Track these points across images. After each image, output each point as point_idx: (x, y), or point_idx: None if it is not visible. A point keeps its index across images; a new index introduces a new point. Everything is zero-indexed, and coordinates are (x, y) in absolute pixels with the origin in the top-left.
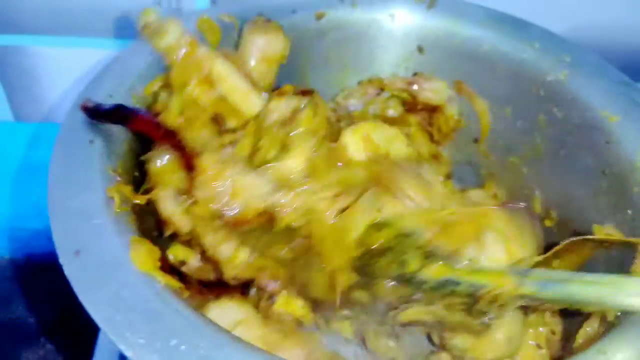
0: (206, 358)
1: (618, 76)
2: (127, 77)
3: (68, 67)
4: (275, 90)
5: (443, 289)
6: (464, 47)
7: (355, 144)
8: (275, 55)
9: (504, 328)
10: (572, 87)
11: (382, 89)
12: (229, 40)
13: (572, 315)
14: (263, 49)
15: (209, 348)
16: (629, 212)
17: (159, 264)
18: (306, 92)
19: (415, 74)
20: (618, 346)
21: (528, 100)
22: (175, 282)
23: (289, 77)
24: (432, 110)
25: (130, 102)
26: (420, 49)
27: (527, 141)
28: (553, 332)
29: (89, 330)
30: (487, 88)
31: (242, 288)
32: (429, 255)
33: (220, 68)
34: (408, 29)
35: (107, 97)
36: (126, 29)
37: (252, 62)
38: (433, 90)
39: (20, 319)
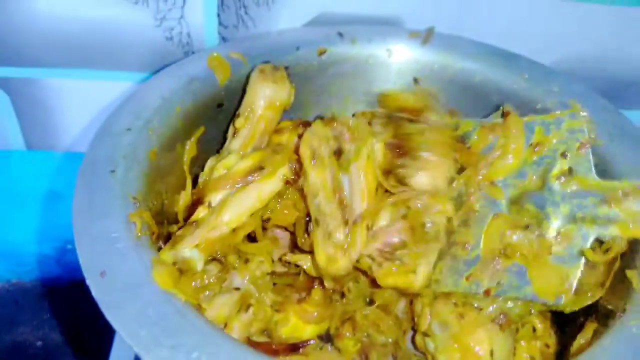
0: None
1: (602, 104)
2: (144, 111)
3: (79, 99)
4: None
5: None
6: (457, 78)
7: None
8: (282, 103)
9: (486, 342)
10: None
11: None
12: (238, 76)
13: (565, 328)
14: (270, 97)
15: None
16: None
17: (178, 282)
18: (305, 124)
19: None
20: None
21: None
22: (194, 300)
23: (294, 109)
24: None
25: (148, 135)
26: (416, 81)
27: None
28: (547, 346)
29: (93, 352)
30: (480, 117)
31: None
32: None
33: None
34: (404, 62)
35: (125, 131)
36: (137, 62)
37: (260, 111)
38: None
39: (27, 342)
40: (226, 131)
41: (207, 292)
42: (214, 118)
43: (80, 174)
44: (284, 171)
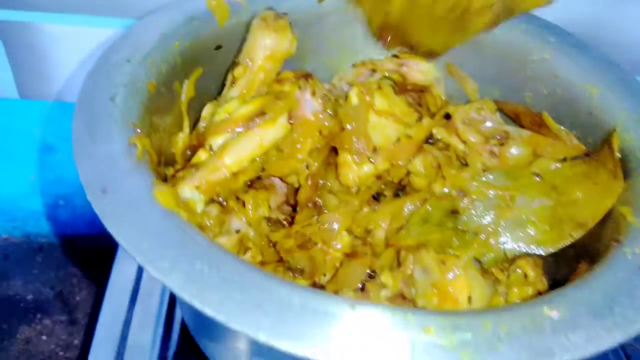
0: (226, 279)
1: (598, 54)
2: (142, 45)
3: (75, 46)
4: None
5: None
6: None
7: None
8: (283, 54)
9: (465, 288)
10: (556, 66)
11: (374, 70)
12: (237, 19)
13: (557, 276)
14: (271, 47)
15: (229, 271)
16: None
17: (180, 202)
18: (306, 76)
19: (394, 56)
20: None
21: (515, 80)
22: (195, 218)
23: (292, 58)
24: (421, 90)
25: (147, 67)
26: None
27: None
28: (539, 292)
29: (84, 307)
30: (476, 70)
31: None
32: None
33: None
34: None
35: (124, 62)
36: (134, 9)
37: (259, 61)
38: (421, 72)
39: (17, 295)
40: (224, 75)
41: (207, 234)
42: (212, 60)
43: (79, 100)
44: (286, 118)
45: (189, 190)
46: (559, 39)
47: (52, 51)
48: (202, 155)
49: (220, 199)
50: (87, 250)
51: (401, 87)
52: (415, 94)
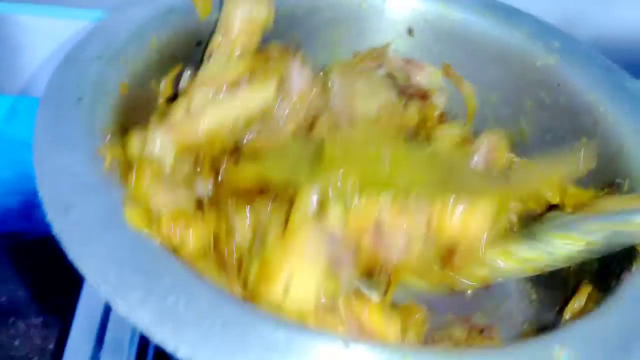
0: (205, 315)
1: (605, 62)
2: (116, 39)
3: (48, 38)
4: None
5: None
6: (453, 31)
7: None
8: (259, 24)
9: None
10: (561, 73)
11: (380, 65)
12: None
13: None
14: (247, 17)
15: (209, 305)
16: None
17: (153, 223)
18: (294, 46)
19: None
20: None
21: (516, 85)
22: (171, 241)
23: None
24: (422, 97)
25: (119, 65)
26: (410, 31)
27: (512, 126)
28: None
29: (60, 309)
30: (474, 73)
31: None
32: None
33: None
34: (399, 11)
35: (95, 59)
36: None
37: (236, 31)
38: (427, 75)
39: None
40: None
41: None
42: (192, 57)
43: (42, 101)
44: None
45: (160, 140)
46: (564, 45)
47: (24, 44)
48: (177, 113)
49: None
50: (63, 251)
51: (403, 88)
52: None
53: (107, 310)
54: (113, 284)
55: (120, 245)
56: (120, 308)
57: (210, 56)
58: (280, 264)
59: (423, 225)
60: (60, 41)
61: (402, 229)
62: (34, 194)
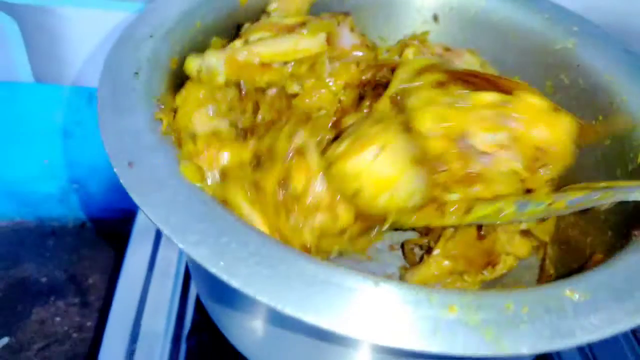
0: (253, 254)
1: (622, 46)
2: (165, 20)
3: (91, 29)
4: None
5: None
6: (477, 17)
7: None
8: None
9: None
10: (579, 55)
11: (421, 52)
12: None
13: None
14: None
15: (256, 246)
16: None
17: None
18: (345, 14)
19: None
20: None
21: (536, 68)
22: (220, 193)
23: None
24: None
25: (169, 43)
26: (435, 18)
27: None
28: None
29: (96, 289)
30: (497, 57)
31: None
32: None
33: (262, 49)
34: None
35: (147, 37)
36: None
37: None
38: (465, 62)
39: (32, 277)
40: None
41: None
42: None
43: (103, 73)
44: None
45: (215, 58)
46: (582, 28)
47: (68, 34)
48: (237, 43)
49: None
50: (100, 234)
51: None
52: None
53: (145, 291)
54: (175, 227)
55: (179, 196)
56: (182, 246)
57: (268, 15)
58: (375, 137)
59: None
60: (99, 32)
61: (489, 137)
62: (73, 180)
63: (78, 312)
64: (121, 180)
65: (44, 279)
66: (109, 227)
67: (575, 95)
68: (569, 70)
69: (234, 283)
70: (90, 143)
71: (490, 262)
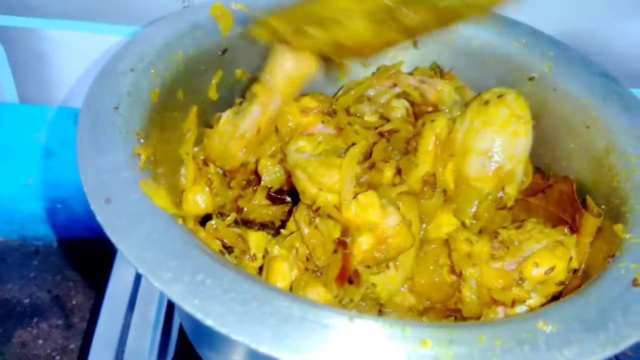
0: (228, 291)
1: (598, 69)
2: (146, 54)
3: (77, 52)
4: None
5: None
6: (456, 42)
7: None
8: (303, 79)
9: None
10: (556, 79)
11: (395, 85)
12: (241, 28)
13: None
14: (291, 73)
15: (231, 283)
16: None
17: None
18: (331, 113)
19: (416, 68)
20: None
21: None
22: (197, 227)
23: None
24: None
25: (151, 76)
26: (414, 43)
27: None
28: None
29: (80, 310)
30: (477, 81)
31: None
32: None
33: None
34: None
35: (128, 71)
36: (135, 16)
37: (280, 81)
38: (440, 92)
39: (14, 299)
40: (233, 78)
41: None
42: (217, 64)
43: (83, 109)
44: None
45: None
46: (558, 52)
47: (53, 57)
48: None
49: None
50: (84, 254)
51: (418, 105)
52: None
53: (129, 315)
54: (149, 264)
55: (155, 231)
56: (156, 284)
57: (252, 98)
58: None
59: None
60: (85, 54)
61: None
62: (57, 200)
63: (61, 334)
64: (97, 218)
65: (26, 300)
66: (93, 246)
67: (552, 118)
68: (545, 93)
69: (208, 322)
70: (75, 163)
71: None
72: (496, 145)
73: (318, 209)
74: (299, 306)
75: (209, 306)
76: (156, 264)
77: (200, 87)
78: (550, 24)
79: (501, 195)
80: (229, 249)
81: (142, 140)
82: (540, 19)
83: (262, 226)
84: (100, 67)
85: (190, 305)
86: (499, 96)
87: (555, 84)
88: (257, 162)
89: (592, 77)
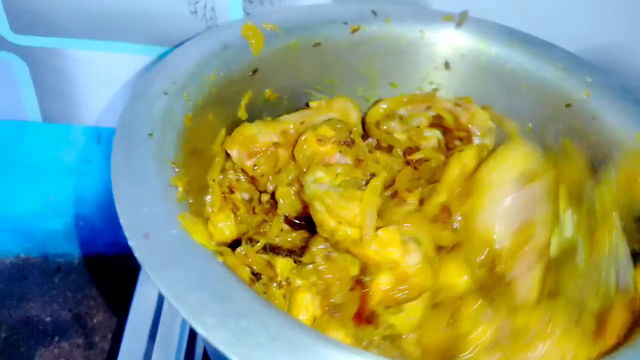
0: (274, 339)
1: (636, 98)
2: (178, 76)
3: (99, 72)
4: None
5: None
6: (488, 65)
7: None
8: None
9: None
10: (594, 107)
11: (429, 107)
12: (272, 47)
13: None
14: None
15: (278, 330)
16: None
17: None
18: (349, 143)
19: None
20: None
21: (549, 117)
22: (238, 264)
23: (321, 88)
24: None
25: (184, 99)
26: (446, 65)
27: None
28: None
29: (102, 329)
30: (509, 106)
31: None
32: None
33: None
34: (436, 45)
35: (161, 94)
36: (160, 36)
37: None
38: (475, 117)
39: (36, 317)
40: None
41: None
42: (248, 85)
43: (117, 135)
44: None
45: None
46: (596, 79)
47: (77, 76)
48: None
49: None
50: (105, 271)
51: (450, 131)
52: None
53: (151, 338)
54: (192, 308)
55: (196, 270)
56: (199, 330)
57: None
58: None
59: None
60: (108, 73)
61: None
62: (79, 217)
63: (82, 354)
64: (136, 254)
65: (48, 319)
66: (113, 263)
67: (588, 146)
68: (582, 121)
69: None
70: (97, 180)
71: None
72: None
73: (336, 242)
74: (348, 357)
75: (255, 355)
76: (199, 308)
77: (229, 108)
78: (570, 39)
79: None
80: (257, 275)
81: (177, 170)
82: (559, 34)
83: (290, 252)
84: (133, 89)
85: (237, 355)
86: None
87: (592, 112)
88: (274, 190)
89: (631, 106)
